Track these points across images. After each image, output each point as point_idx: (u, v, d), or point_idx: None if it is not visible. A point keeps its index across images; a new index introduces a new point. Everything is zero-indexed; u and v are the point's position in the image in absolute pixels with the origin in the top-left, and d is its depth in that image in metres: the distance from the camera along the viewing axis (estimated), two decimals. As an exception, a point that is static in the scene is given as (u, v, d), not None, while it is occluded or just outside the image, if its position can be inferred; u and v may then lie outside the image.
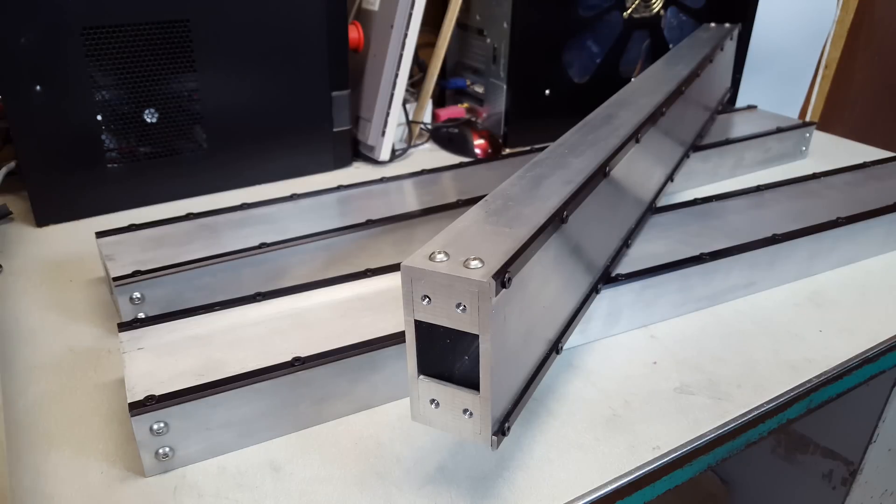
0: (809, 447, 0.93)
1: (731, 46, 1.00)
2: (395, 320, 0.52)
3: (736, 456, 0.53)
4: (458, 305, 0.35)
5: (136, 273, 0.58)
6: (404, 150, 1.01)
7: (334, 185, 0.78)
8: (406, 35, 0.91)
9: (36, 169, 0.76)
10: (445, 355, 0.38)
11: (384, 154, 0.96)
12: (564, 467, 0.46)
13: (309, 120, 0.91)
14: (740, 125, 1.01)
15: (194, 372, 0.47)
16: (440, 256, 0.35)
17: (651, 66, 0.80)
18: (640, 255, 0.62)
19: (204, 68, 0.81)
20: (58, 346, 0.58)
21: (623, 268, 0.59)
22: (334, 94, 0.91)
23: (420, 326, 0.36)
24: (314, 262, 0.65)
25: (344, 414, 0.50)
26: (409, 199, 0.79)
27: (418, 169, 0.85)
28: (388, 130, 0.95)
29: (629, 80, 0.77)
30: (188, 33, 0.78)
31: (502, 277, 0.35)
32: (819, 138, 1.07)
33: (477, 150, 1.01)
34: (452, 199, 0.73)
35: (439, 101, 1.16)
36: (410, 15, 0.90)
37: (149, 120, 0.80)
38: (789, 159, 1.00)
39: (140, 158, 0.82)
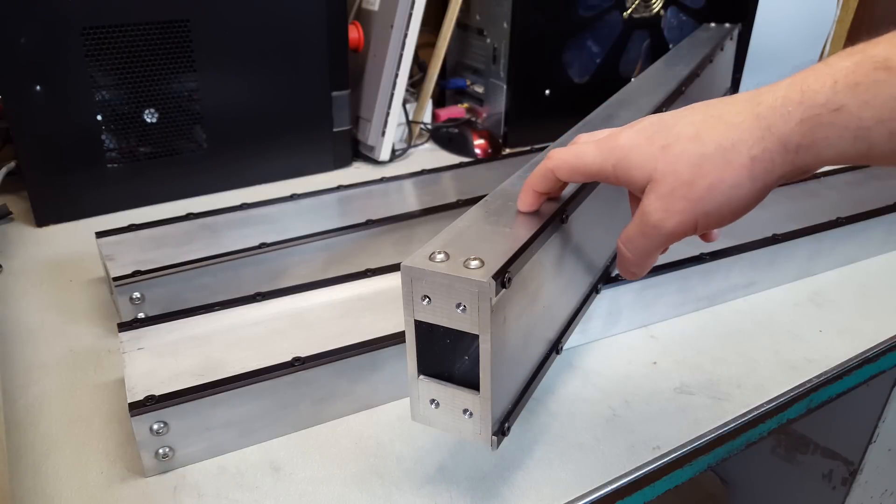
0: (809, 447, 0.93)
1: (731, 46, 1.00)
2: (395, 320, 0.52)
3: (736, 456, 0.53)
4: (458, 305, 0.35)
5: (136, 273, 0.58)
6: (404, 150, 1.01)
7: (334, 185, 0.78)
8: (406, 35, 0.91)
9: (36, 169, 0.76)
10: (445, 355, 0.38)
11: (384, 154, 0.96)
12: (564, 467, 0.46)
13: (309, 120, 0.91)
14: (740, 125, 1.01)
15: (194, 372, 0.47)
16: (440, 256, 0.35)
17: (651, 66, 0.80)
18: (640, 255, 0.62)
19: (204, 68, 0.81)
20: (58, 346, 0.58)
21: (623, 268, 0.59)
22: (334, 94, 0.91)
23: (420, 326, 0.36)
24: (314, 262, 0.65)
25: (344, 414, 0.50)
26: (409, 199, 0.79)
27: (418, 169, 0.85)
28: (388, 130, 0.95)
29: (629, 80, 0.77)
30: (188, 33, 0.78)
31: (502, 277, 0.35)
32: (819, 138, 1.07)
33: (477, 150, 1.01)
34: (452, 199, 0.73)
35: (439, 101, 1.16)
36: (410, 15, 0.90)
37: (149, 120, 0.80)
38: (789, 159, 1.00)
39: (140, 158, 0.82)
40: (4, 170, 0.85)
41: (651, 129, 0.37)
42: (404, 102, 0.97)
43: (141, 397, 0.43)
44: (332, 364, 0.47)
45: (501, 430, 0.39)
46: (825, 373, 0.56)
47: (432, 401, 0.38)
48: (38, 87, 0.73)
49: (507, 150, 1.03)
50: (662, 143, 0.35)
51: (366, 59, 0.97)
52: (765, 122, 0.33)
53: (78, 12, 0.72)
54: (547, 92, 1.03)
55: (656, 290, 0.60)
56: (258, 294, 0.55)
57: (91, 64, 0.75)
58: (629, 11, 1.04)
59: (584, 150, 0.39)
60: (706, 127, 0.34)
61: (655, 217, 0.36)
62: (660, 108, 0.64)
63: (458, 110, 1.10)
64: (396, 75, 0.93)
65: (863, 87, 0.30)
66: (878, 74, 0.30)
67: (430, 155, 1.02)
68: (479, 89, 1.08)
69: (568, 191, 0.45)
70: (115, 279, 0.57)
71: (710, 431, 0.49)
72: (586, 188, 0.47)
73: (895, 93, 0.29)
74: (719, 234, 0.42)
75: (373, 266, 0.60)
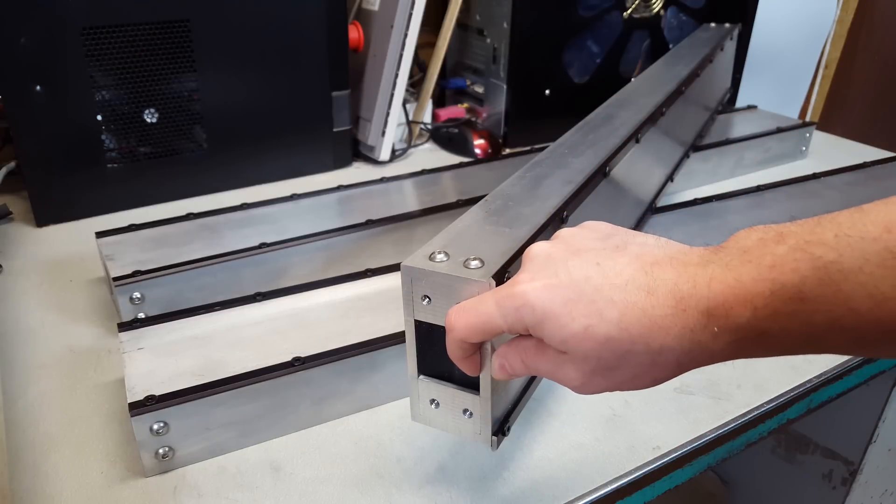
0: (809, 447, 0.93)
1: (731, 46, 1.00)
2: (395, 320, 0.52)
3: (736, 456, 0.53)
4: (459, 305, 0.34)
5: (136, 273, 0.58)
6: (404, 150, 1.01)
7: (334, 185, 0.78)
8: (406, 35, 0.91)
9: (36, 169, 0.76)
10: (445, 355, 0.38)
11: (384, 154, 0.96)
12: (564, 467, 0.46)
13: (309, 120, 0.91)
14: (740, 125, 1.01)
15: (194, 372, 0.47)
16: (440, 256, 0.35)
17: (651, 66, 0.80)
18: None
19: (204, 68, 0.81)
20: (58, 346, 0.58)
21: (623, 268, 0.59)
22: (334, 94, 0.91)
23: (420, 326, 0.36)
24: (314, 262, 0.65)
25: (344, 414, 0.50)
26: (409, 199, 0.79)
27: (418, 169, 0.85)
28: (388, 130, 0.95)
29: (629, 80, 0.77)
30: (188, 33, 0.78)
31: (502, 277, 0.35)
32: (819, 138, 1.07)
33: (477, 150, 1.01)
34: (452, 199, 0.73)
35: (439, 101, 1.16)
36: (410, 15, 0.90)
37: (149, 120, 0.80)
38: (789, 159, 1.00)
39: (140, 158, 0.82)
40: (4, 170, 0.85)
41: (566, 291, 0.30)
42: (404, 102, 0.97)
43: (141, 397, 0.43)
44: (332, 364, 0.47)
45: (501, 430, 0.39)
46: (825, 373, 0.56)
47: (432, 401, 0.38)
48: (38, 87, 0.73)
49: (507, 150, 1.03)
50: (585, 322, 0.30)
51: (366, 59, 0.97)
52: (695, 337, 0.29)
53: (78, 12, 0.72)
54: (547, 92, 1.03)
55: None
56: (258, 294, 0.55)
57: (91, 64, 0.75)
58: (629, 11, 1.04)
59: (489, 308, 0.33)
60: (630, 316, 0.29)
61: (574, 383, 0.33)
62: (660, 108, 0.64)
63: (458, 110, 1.10)
64: (396, 75, 0.93)
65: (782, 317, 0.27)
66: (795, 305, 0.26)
67: (430, 155, 1.02)
68: (479, 89, 1.08)
69: (567, 190, 0.45)
70: (115, 279, 0.57)
71: (710, 431, 0.49)
72: (586, 188, 0.47)
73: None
74: None
75: (373, 266, 0.60)
